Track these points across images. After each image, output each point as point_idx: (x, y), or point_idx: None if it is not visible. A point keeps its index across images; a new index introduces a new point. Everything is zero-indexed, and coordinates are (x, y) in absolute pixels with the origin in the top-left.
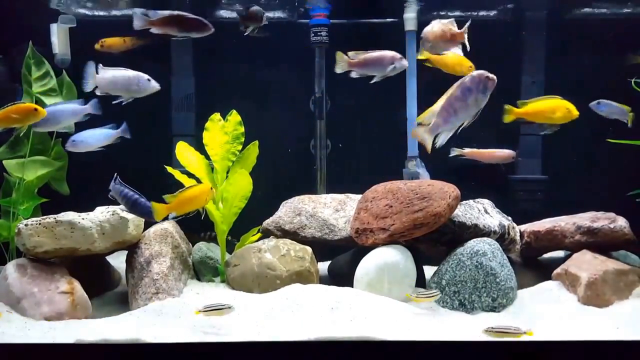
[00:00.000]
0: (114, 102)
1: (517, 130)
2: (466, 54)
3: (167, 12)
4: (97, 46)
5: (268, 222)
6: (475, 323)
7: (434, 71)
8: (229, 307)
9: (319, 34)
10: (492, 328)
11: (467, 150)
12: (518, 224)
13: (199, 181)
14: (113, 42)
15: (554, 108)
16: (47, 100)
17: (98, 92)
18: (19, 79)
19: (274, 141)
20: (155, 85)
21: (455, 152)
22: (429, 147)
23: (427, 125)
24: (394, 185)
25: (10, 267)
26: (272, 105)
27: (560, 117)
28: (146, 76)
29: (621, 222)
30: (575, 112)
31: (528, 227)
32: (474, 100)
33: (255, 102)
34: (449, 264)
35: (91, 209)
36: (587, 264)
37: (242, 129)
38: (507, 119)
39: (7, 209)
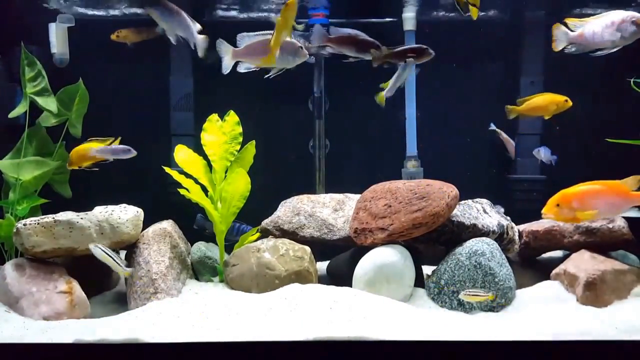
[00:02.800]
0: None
1: (515, 130)
2: None
3: (345, 31)
4: (113, 36)
5: (267, 222)
6: (473, 323)
7: (434, 70)
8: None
9: None
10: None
11: (503, 134)
12: (517, 223)
13: (197, 182)
14: (128, 33)
15: (549, 103)
16: (40, 100)
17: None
18: (17, 79)
19: (273, 141)
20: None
21: (493, 127)
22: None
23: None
24: (393, 185)
25: (9, 267)
26: (270, 105)
27: (556, 110)
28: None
29: (620, 222)
30: (569, 102)
31: (527, 227)
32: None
33: (253, 102)
34: (448, 263)
35: (90, 208)
36: (585, 264)
37: (240, 129)
38: (510, 116)
39: (6, 209)
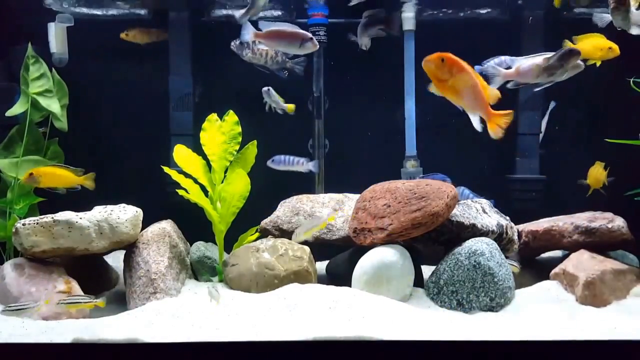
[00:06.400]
0: None
1: (514, 130)
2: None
3: (276, 25)
4: (122, 35)
5: (266, 222)
6: (473, 323)
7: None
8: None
9: (317, 33)
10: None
11: None
12: (516, 223)
13: (196, 181)
14: (137, 33)
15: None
16: (43, 100)
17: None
18: (16, 78)
19: (272, 141)
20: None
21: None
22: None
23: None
24: (392, 184)
25: (8, 267)
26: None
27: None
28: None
29: (619, 222)
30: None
31: (526, 226)
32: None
33: (253, 102)
34: (447, 263)
35: (89, 208)
36: (584, 264)
37: (239, 129)
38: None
39: (4, 209)
